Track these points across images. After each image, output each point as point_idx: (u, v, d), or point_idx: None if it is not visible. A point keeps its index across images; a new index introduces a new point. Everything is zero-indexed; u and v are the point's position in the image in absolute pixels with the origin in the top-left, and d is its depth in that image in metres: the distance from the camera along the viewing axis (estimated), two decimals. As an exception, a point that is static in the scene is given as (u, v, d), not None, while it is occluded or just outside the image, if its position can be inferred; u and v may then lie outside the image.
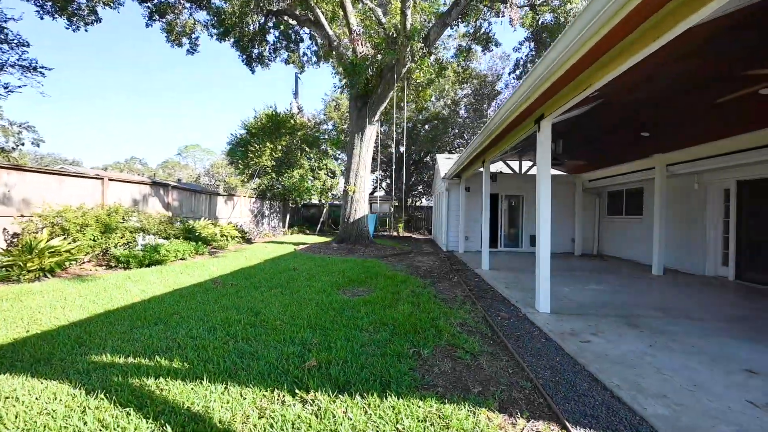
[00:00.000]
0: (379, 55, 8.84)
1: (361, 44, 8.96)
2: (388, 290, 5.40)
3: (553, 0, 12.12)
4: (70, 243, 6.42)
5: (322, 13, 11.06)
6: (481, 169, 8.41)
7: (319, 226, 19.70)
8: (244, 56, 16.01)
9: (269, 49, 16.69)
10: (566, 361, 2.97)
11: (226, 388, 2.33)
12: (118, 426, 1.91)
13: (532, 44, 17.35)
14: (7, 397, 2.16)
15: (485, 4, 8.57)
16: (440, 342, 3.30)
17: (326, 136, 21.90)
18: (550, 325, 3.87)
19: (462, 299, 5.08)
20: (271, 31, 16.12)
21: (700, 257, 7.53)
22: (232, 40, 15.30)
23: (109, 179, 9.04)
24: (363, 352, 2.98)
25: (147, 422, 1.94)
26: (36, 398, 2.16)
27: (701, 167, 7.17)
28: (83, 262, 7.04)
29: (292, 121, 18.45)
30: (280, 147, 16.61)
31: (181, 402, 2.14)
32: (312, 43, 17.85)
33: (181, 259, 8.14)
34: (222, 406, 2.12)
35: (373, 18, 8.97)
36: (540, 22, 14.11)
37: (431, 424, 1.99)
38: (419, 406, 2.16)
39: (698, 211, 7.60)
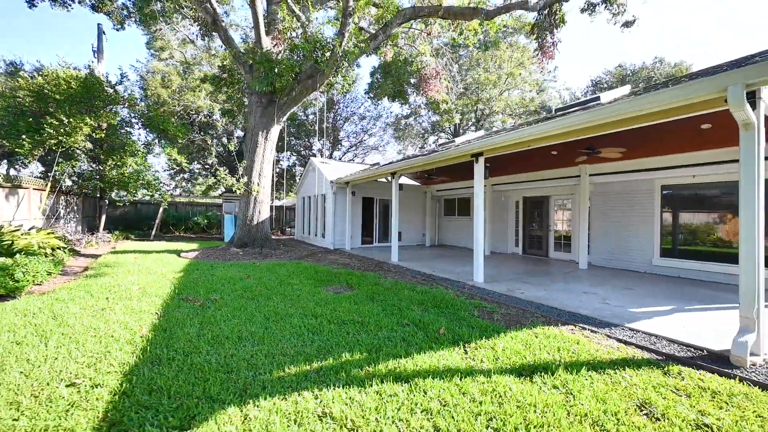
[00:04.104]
0: (296, 58, 8.98)
1: (279, 42, 8.77)
2: (366, 284, 6.33)
3: (408, 49, 15.49)
4: None
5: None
6: (388, 180, 10.24)
7: (154, 230, 15.79)
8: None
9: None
10: (528, 302, 5.24)
11: (425, 352, 3.11)
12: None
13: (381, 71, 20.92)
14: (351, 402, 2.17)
15: (385, 43, 10.39)
16: (468, 307, 4.89)
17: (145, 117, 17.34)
18: (496, 288, 6.20)
19: (426, 282, 6.75)
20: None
21: (504, 242, 12.35)
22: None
23: None
24: (447, 321, 4.18)
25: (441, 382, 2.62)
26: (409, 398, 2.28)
27: (507, 188, 11.87)
28: None
29: (110, 91, 13.95)
30: (105, 125, 12.38)
31: (431, 368, 2.84)
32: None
33: (37, 284, 5.60)
34: (440, 360, 2.98)
35: (293, 18, 8.89)
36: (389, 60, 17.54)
37: (544, 337, 3.64)
38: (529, 332, 3.76)
39: (503, 214, 12.42)
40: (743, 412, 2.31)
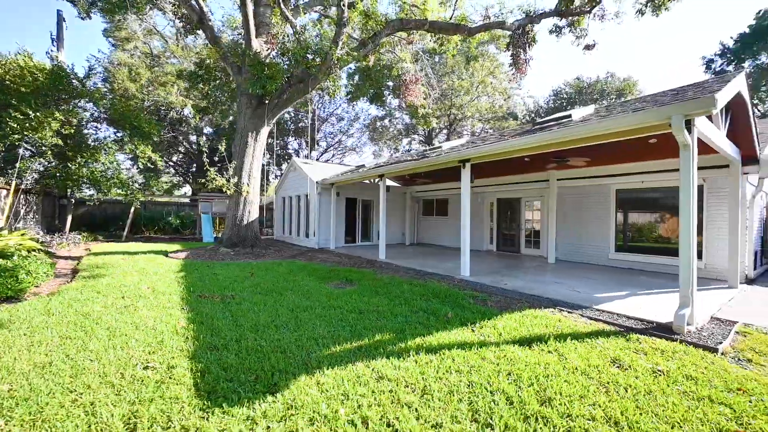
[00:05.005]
0: (288, 62, 9.24)
1: (272, 46, 8.98)
2: (365, 279, 6.85)
3: (388, 55, 16.08)
4: None
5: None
6: (373, 182, 10.76)
7: (126, 231, 15.11)
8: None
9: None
10: (513, 291, 6.03)
11: (441, 331, 3.71)
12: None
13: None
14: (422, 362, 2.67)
15: (379, 49, 10.91)
16: (464, 296, 5.56)
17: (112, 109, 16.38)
18: (482, 280, 6.96)
19: (418, 276, 7.37)
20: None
21: (480, 240, 13.33)
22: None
23: None
24: (450, 308, 4.81)
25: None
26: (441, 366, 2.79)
27: (483, 190, 12.85)
28: None
29: (76, 83, 13.20)
30: (75, 120, 11.76)
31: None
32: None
33: (36, 286, 5.52)
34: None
35: (286, 23, 9.10)
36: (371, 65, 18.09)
37: (532, 317, 4.38)
38: (519, 314, 4.48)
39: (479, 214, 13.40)
40: (683, 362, 3.13)
